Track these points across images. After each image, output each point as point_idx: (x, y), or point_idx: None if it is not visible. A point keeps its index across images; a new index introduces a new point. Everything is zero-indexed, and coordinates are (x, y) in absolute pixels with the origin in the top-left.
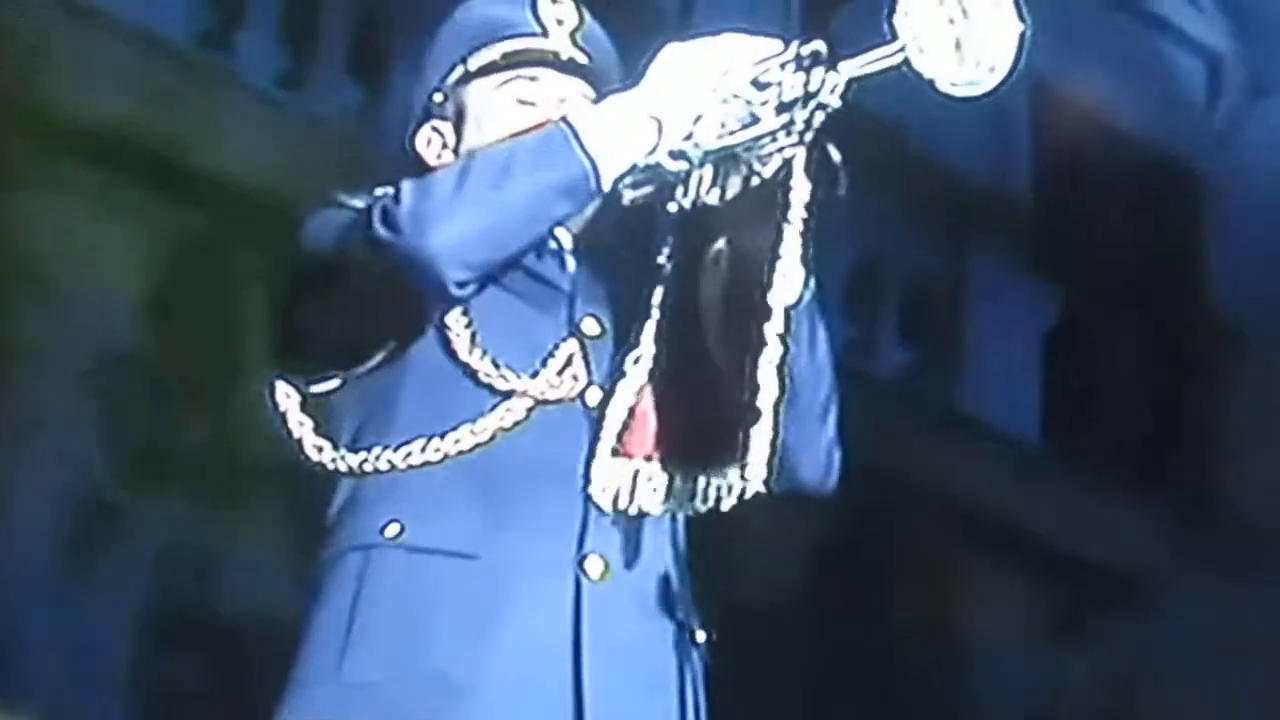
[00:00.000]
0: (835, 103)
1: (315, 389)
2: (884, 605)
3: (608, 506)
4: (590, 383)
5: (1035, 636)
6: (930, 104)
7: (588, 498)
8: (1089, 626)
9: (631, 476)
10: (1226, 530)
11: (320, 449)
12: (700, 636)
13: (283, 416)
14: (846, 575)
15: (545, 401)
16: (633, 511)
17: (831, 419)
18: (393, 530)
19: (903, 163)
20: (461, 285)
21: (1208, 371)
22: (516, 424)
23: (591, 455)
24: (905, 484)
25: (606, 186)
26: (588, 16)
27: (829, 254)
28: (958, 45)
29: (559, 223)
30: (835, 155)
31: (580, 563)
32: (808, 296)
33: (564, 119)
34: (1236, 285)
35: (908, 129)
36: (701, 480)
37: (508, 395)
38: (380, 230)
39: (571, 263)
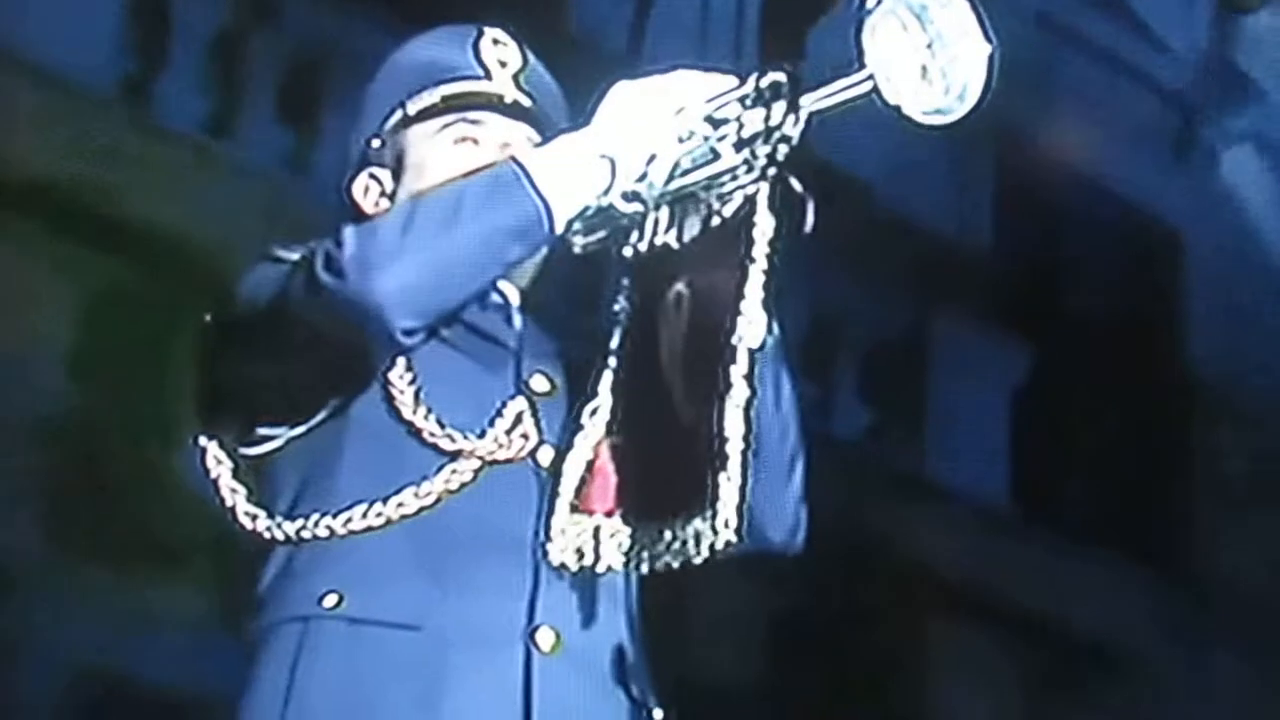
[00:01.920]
0: (797, 135)
1: (248, 452)
2: (850, 675)
3: (571, 565)
4: (541, 442)
5: (1008, 703)
6: (891, 156)
7: (538, 564)
8: (1063, 692)
9: (593, 533)
10: (1202, 592)
11: (254, 517)
12: (658, 714)
13: (214, 484)
14: (809, 646)
15: (494, 462)
16: (599, 569)
17: (798, 475)
18: (331, 600)
19: (863, 216)
20: (409, 333)
21: (1181, 429)
22: (464, 486)
23: (550, 512)
24: (868, 551)
25: (559, 228)
26: (532, 58)
27: (786, 310)
28: (924, 72)
29: (510, 266)
30: (798, 187)
31: (531, 634)
32: (771, 341)
33: (513, 159)
34: (1209, 339)
35: (868, 181)
36: (668, 534)
37: (455, 456)
38: (323, 275)
39: (518, 319)
